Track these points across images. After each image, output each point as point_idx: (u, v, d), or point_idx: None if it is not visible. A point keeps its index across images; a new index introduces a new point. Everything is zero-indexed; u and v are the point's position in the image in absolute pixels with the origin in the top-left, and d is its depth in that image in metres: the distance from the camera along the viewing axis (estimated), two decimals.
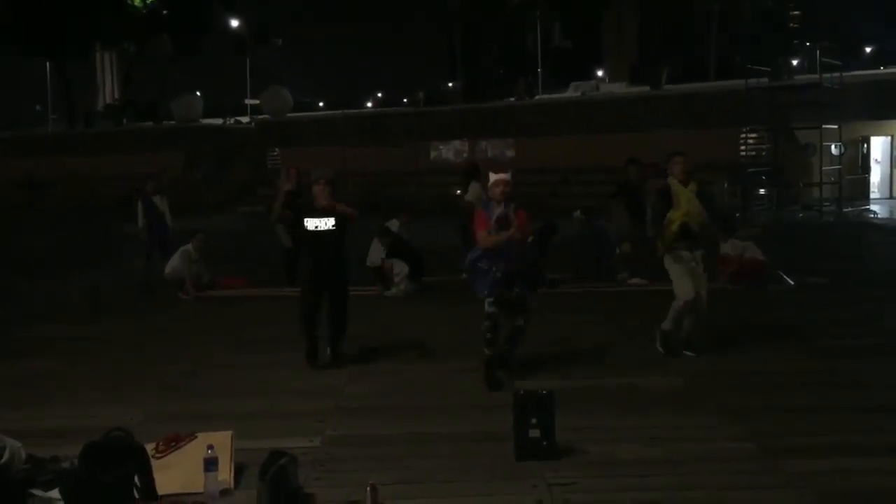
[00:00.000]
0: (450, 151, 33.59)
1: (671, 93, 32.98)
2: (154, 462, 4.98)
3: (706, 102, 29.23)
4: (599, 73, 51.87)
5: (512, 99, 39.46)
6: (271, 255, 13.50)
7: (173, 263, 12.43)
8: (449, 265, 12.66)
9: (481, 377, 7.14)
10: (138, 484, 4.73)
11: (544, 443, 5.40)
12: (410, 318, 10.53)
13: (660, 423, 6.11)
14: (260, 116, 44.35)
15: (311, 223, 7.67)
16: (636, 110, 29.81)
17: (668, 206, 7.68)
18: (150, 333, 10.06)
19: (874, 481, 5.03)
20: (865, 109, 26.74)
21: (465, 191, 12.79)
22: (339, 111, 45.53)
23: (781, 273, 12.08)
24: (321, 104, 65.37)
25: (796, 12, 51.96)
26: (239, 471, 5.21)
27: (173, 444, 5.39)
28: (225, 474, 5.05)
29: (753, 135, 28.15)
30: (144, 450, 4.91)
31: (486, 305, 7.12)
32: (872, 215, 24.84)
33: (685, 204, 7.64)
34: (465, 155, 32.20)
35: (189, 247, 12.45)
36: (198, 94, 49.74)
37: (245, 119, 46.56)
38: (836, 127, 25.52)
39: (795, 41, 39.34)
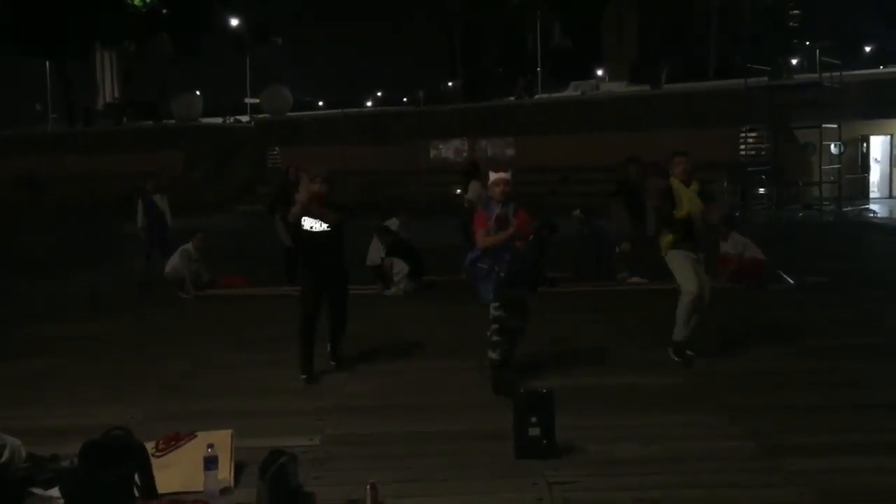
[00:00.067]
0: (450, 150, 33.60)
1: (671, 92, 32.99)
2: (154, 461, 4.98)
3: (706, 102, 29.23)
4: (599, 73, 51.85)
5: (512, 98, 39.47)
6: (271, 254, 13.51)
7: (173, 263, 12.43)
8: (449, 264, 12.65)
9: (489, 380, 6.96)
10: (138, 483, 4.72)
11: (544, 441, 5.40)
12: (410, 317, 10.54)
13: (660, 422, 6.11)
14: (260, 115, 44.36)
15: (307, 223, 7.61)
16: (636, 109, 29.82)
17: (672, 206, 7.63)
18: (150, 332, 10.06)
19: (874, 480, 5.04)
20: (865, 109, 26.75)
21: (465, 190, 12.79)
22: (339, 110, 45.54)
23: (781, 272, 12.09)
24: (321, 103, 65.37)
25: (796, 11, 51.92)
26: (239, 469, 5.21)
27: (173, 442, 5.40)
28: (225, 473, 5.06)
29: (753, 134, 28.16)
30: (144, 448, 4.90)
31: (493, 309, 6.98)
32: (872, 214, 24.84)
33: (687, 204, 7.62)
34: (464, 154, 32.20)
35: (189, 246, 12.45)
36: (197, 93, 49.71)
37: (245, 118, 46.57)
38: (835, 126, 25.54)
39: (795, 40, 39.32)
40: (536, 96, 40.58)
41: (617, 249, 12.37)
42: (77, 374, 8.09)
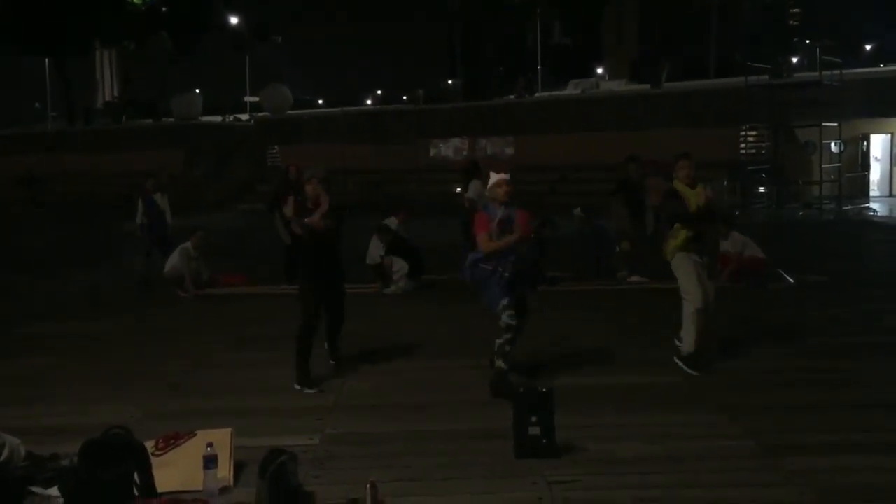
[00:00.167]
0: (449, 149, 33.58)
1: (671, 91, 32.95)
2: (154, 460, 4.98)
3: (706, 100, 29.20)
4: (599, 71, 51.82)
5: (512, 97, 39.45)
6: (271, 252, 13.50)
7: (173, 261, 12.42)
8: (449, 263, 12.65)
9: (490, 386, 6.82)
10: (138, 482, 4.72)
11: (544, 441, 5.40)
12: (410, 316, 10.53)
13: (660, 421, 6.11)
14: (259, 114, 44.33)
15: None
16: (636, 108, 29.79)
17: (682, 208, 7.49)
18: (149, 331, 10.06)
19: (874, 479, 5.04)
20: (865, 107, 26.74)
21: (465, 189, 12.80)
22: (339, 109, 45.49)
23: (781, 271, 12.08)
24: (321, 102, 65.35)
25: (796, 10, 51.87)
26: (238, 468, 5.21)
27: (173, 441, 5.39)
28: (224, 472, 5.06)
29: (753, 133, 28.13)
30: (144, 447, 4.90)
31: (507, 317, 6.78)
32: (872, 213, 24.82)
33: (694, 205, 7.54)
34: (464, 153, 32.17)
35: (188, 244, 12.45)
36: (197, 91, 49.65)
37: (245, 116, 46.51)
38: (835, 125, 25.53)
39: (795, 39, 39.27)
40: (536, 95, 40.56)
41: (617, 248, 12.37)
42: (77, 372, 8.09)
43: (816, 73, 26.45)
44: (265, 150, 37.22)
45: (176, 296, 12.21)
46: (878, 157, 29.32)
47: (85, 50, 55.87)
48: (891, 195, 28.96)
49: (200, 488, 4.90)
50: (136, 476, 4.72)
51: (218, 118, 45.96)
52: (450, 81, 52.78)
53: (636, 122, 28.29)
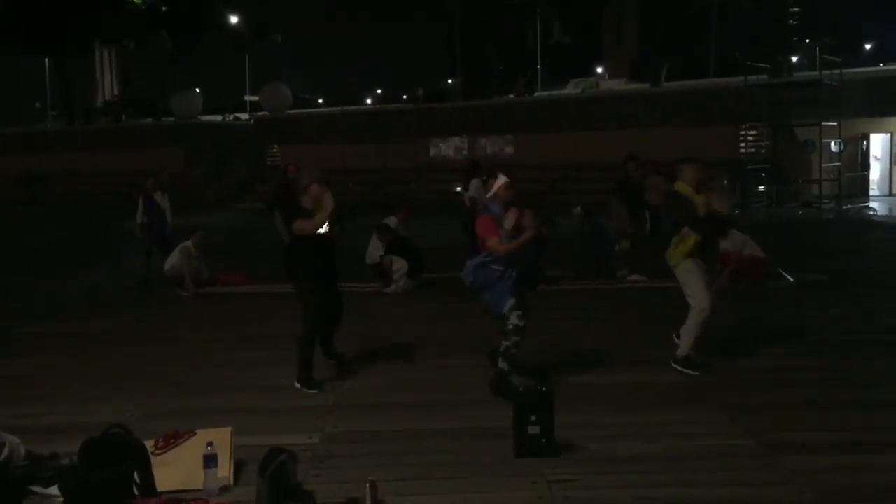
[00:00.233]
0: (449, 148, 33.57)
1: (671, 90, 32.95)
2: (153, 459, 4.98)
3: (706, 99, 29.19)
4: (599, 70, 51.84)
5: (511, 96, 39.44)
6: (271, 251, 13.48)
7: (173, 260, 12.43)
8: (449, 262, 12.65)
9: (490, 385, 6.82)
10: (138, 481, 4.72)
11: (544, 440, 5.40)
12: (410, 315, 10.53)
13: (659, 420, 6.11)
14: (259, 113, 44.31)
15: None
16: (636, 107, 29.78)
17: (690, 211, 7.40)
18: (149, 330, 10.06)
19: (874, 478, 5.04)
20: (865, 106, 26.75)
21: (465, 188, 12.80)
22: (339, 108, 45.46)
23: (781, 270, 12.09)
24: (321, 101, 65.34)
25: (796, 9, 51.93)
26: (238, 467, 5.21)
27: (173, 440, 5.39)
28: (224, 471, 5.06)
29: (753, 132, 28.13)
30: (144, 447, 4.91)
31: (516, 318, 6.76)
32: (872, 212, 24.83)
33: (702, 207, 7.46)
34: (464, 152, 32.18)
35: (189, 243, 12.45)
36: (197, 90, 49.60)
37: (244, 116, 46.49)
38: (835, 124, 25.53)
39: (795, 38, 39.29)
40: (536, 94, 40.55)
41: (616, 247, 12.37)
42: (77, 372, 8.09)
43: (816, 73, 26.44)
44: (265, 149, 37.21)
45: (176, 295, 12.21)
46: (878, 157, 29.33)
47: (85, 50, 55.83)
48: (890, 194, 28.97)
49: (200, 487, 4.90)
50: (135, 475, 4.72)
51: (218, 117, 45.93)
52: (450, 81, 52.78)
53: (636, 120, 28.28)
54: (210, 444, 4.96)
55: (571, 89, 41.77)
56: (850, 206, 25.40)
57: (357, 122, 36.87)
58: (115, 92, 61.28)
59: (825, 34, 32.21)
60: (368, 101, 65.53)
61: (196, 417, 6.11)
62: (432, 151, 33.89)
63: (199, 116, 45.01)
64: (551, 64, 52.88)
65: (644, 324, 9.41)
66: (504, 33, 58.02)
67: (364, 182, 31.06)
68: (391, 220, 12.83)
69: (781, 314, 10.10)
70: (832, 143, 26.44)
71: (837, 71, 26.21)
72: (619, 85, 41.21)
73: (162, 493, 4.80)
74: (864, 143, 28.78)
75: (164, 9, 55.92)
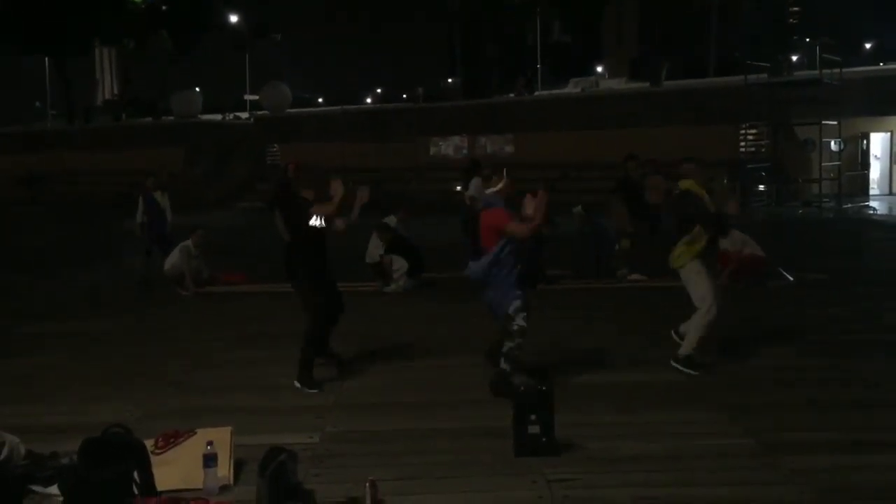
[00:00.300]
0: (449, 148, 33.57)
1: (671, 89, 32.94)
2: (153, 458, 4.98)
3: (706, 98, 29.18)
4: (599, 70, 51.82)
5: (511, 95, 39.43)
6: (271, 250, 13.47)
7: (173, 260, 12.43)
8: (449, 261, 12.66)
9: (490, 384, 6.77)
10: (137, 480, 4.72)
11: (544, 439, 5.40)
12: (410, 315, 10.53)
13: (660, 420, 6.11)
14: (259, 112, 44.29)
15: (315, 220, 7.54)
16: (636, 106, 29.76)
17: (702, 206, 7.35)
18: (149, 330, 10.06)
19: (874, 478, 5.04)
20: (865, 105, 26.73)
21: (465, 187, 12.79)
22: (339, 107, 45.46)
23: (781, 269, 12.09)
24: (320, 100, 65.32)
25: (796, 8, 51.94)
26: (238, 467, 5.21)
27: (172, 440, 5.39)
28: (224, 470, 5.06)
29: (753, 131, 28.12)
30: (144, 446, 4.91)
31: (521, 320, 6.71)
32: (872, 212, 24.83)
33: (710, 204, 7.43)
34: (464, 151, 32.18)
35: (189, 243, 12.44)
36: (197, 89, 49.57)
37: (244, 115, 46.48)
38: (835, 123, 25.52)
39: (795, 37, 39.27)
40: (536, 93, 40.53)
41: (616, 247, 12.37)
42: (76, 371, 8.09)
43: (816, 72, 26.43)
44: (265, 148, 37.21)
45: (176, 294, 12.21)
46: (878, 156, 29.33)
47: (85, 49, 55.86)
48: (890, 193, 28.97)
49: (200, 487, 4.90)
50: (135, 475, 4.72)
51: (218, 116, 45.92)
52: (449, 80, 52.75)
53: (636, 119, 28.27)
54: (210, 443, 4.96)
55: (571, 88, 41.76)
56: (850, 205, 25.41)
57: (357, 122, 36.87)
58: (115, 91, 61.27)
59: (825, 33, 32.18)
60: (368, 100, 65.50)
61: (196, 417, 6.11)
62: (432, 150, 33.89)
63: (199, 116, 44.99)
64: (551, 63, 52.86)
65: (644, 323, 9.40)
66: (504, 33, 57.97)
67: (364, 181, 30.96)
68: (391, 220, 12.83)
69: (781, 313, 10.10)
70: (832, 143, 26.44)
71: (837, 70, 26.19)
72: (619, 84, 41.19)
73: (162, 492, 4.80)
74: (864, 142, 28.78)
75: (164, 8, 55.92)
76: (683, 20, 54.56)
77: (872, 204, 26.30)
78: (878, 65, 39.66)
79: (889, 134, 28.97)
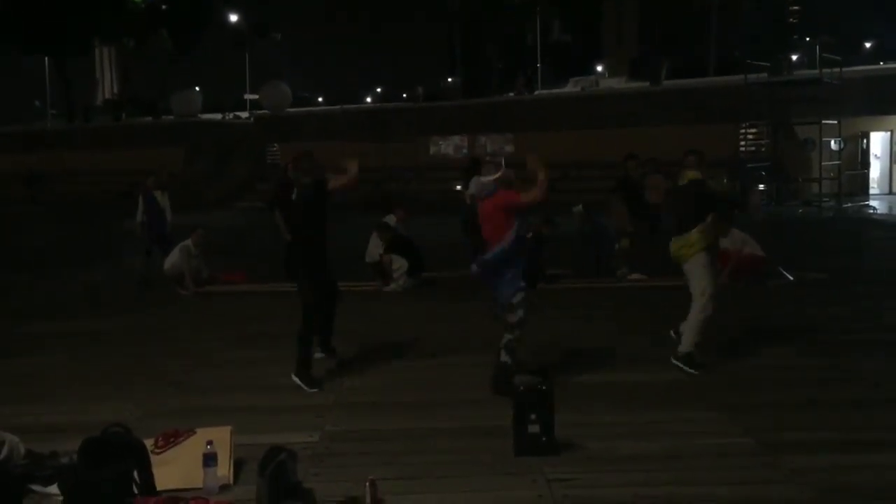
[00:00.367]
0: (449, 147, 33.57)
1: (671, 88, 32.94)
2: (153, 458, 4.98)
3: (706, 97, 29.18)
4: (599, 69, 51.83)
5: (511, 94, 39.43)
6: (271, 250, 13.49)
7: (172, 259, 12.43)
8: (449, 261, 12.67)
9: (491, 382, 6.76)
10: (137, 480, 4.72)
11: (544, 438, 5.40)
12: (410, 314, 10.53)
13: (659, 419, 6.11)
14: (259, 112, 44.30)
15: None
16: (636, 106, 29.77)
17: (720, 196, 7.37)
18: (149, 329, 10.05)
19: (874, 477, 5.03)
20: (865, 105, 26.73)
21: (465, 186, 12.77)
22: (339, 106, 45.47)
23: (781, 269, 12.08)
24: (320, 100, 65.36)
25: (796, 7, 51.94)
26: (238, 466, 5.21)
27: (172, 439, 5.39)
28: (224, 470, 5.06)
29: (753, 130, 28.14)
30: (144, 445, 4.91)
31: (523, 312, 6.70)
32: (872, 211, 24.83)
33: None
34: (464, 150, 32.19)
35: (188, 242, 12.44)
36: (197, 89, 49.59)
37: (244, 114, 46.49)
38: (835, 122, 25.52)
39: (795, 37, 39.28)
40: (536, 92, 40.54)
41: (616, 246, 12.36)
42: (76, 371, 8.09)
43: (816, 71, 26.45)
44: (265, 147, 37.21)
45: (176, 294, 12.21)
46: (878, 155, 29.33)
47: (85, 48, 55.90)
48: (890, 193, 28.97)
49: (200, 486, 4.90)
50: (135, 474, 4.72)
51: (218, 116, 45.94)
52: (449, 79, 52.77)
53: (636, 119, 28.27)
54: (210, 442, 4.96)
55: (571, 88, 41.77)
56: (850, 204, 25.41)
57: (357, 121, 36.87)
58: (115, 91, 61.30)
59: (825, 32, 32.25)
60: (368, 99, 65.55)
61: (196, 416, 6.11)
62: (432, 150, 33.89)
63: (199, 115, 44.99)
64: (551, 63, 52.88)
65: (644, 323, 9.40)
66: (504, 33, 58.00)
67: (364, 181, 30.97)
68: (390, 219, 12.83)
69: (781, 313, 10.10)
70: (832, 142, 26.44)
71: (837, 69, 26.20)
72: (619, 84, 41.19)
73: (162, 491, 4.80)
74: (864, 141, 28.77)
75: (163, 7, 55.93)
76: (683, 20, 54.58)
77: (872, 203, 26.29)
78: (878, 64, 39.69)
79: (889, 133, 28.96)
